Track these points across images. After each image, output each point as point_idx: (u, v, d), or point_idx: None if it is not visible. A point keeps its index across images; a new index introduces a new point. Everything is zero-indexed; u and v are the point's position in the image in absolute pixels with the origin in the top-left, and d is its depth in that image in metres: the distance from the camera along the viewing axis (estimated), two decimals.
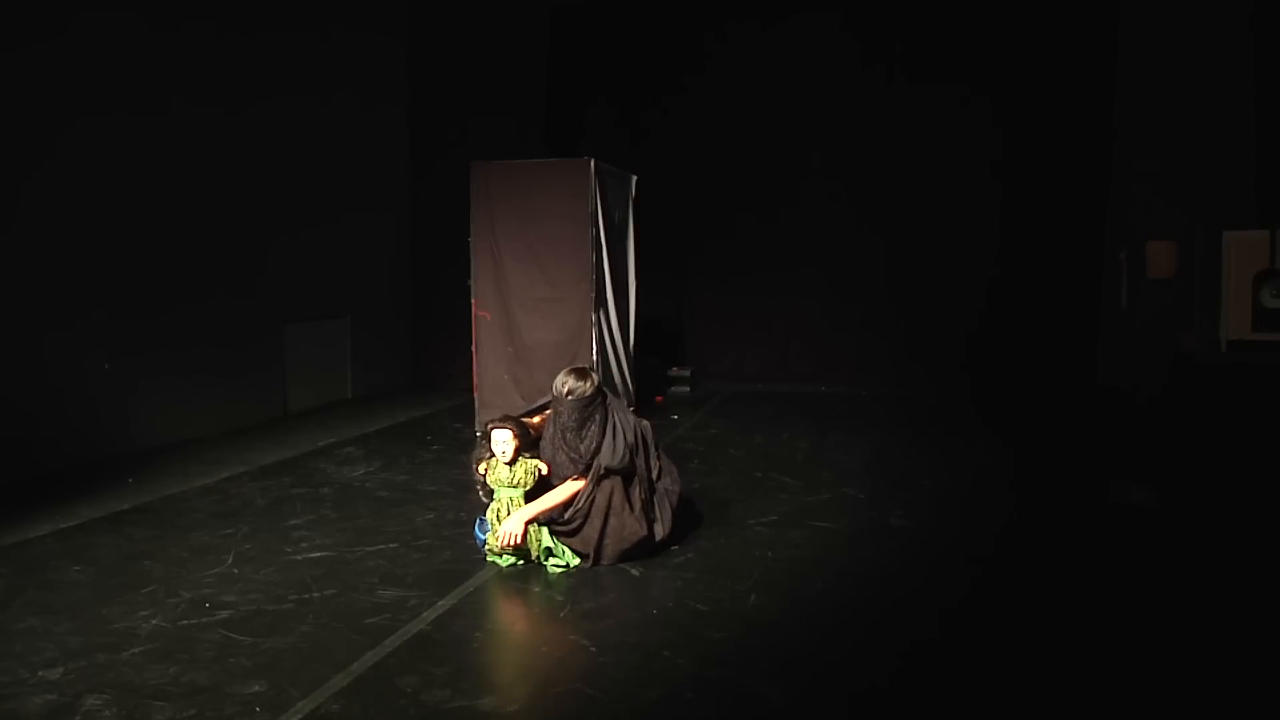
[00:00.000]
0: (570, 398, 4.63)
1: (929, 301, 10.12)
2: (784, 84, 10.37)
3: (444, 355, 10.16)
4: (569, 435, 4.68)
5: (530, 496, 4.66)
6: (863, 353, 10.35)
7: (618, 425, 4.68)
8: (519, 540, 4.56)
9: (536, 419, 4.90)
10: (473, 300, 8.17)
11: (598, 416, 4.68)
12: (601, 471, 4.62)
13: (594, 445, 4.65)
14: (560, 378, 4.71)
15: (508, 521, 4.58)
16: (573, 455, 4.69)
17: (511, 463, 4.65)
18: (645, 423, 4.92)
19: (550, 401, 4.81)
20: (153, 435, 7.22)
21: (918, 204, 10.09)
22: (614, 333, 8.42)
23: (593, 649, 3.67)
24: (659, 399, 9.67)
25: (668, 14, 10.66)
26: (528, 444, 4.73)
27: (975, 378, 9.85)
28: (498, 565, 4.62)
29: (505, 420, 4.70)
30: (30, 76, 6.27)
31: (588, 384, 4.66)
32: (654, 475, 4.80)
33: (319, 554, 4.80)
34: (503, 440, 4.62)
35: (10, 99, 6.14)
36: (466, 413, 8.49)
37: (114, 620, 3.93)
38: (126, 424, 7.03)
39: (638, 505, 4.64)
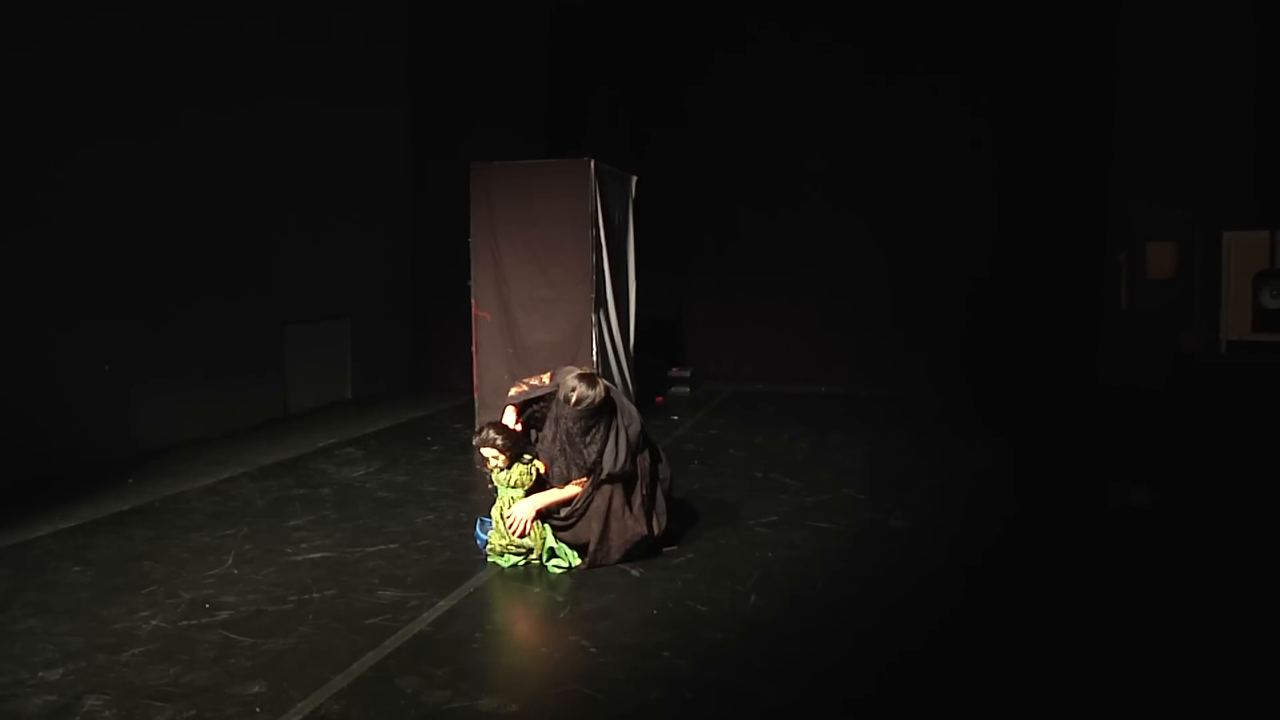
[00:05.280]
0: (578, 408, 4.57)
1: (929, 302, 10.12)
2: (784, 85, 10.37)
3: (444, 356, 10.16)
4: (574, 439, 4.65)
5: (529, 494, 4.66)
6: (862, 353, 10.35)
7: (620, 429, 4.64)
8: (528, 527, 4.56)
9: (521, 394, 4.86)
10: (473, 301, 8.17)
11: (602, 423, 4.65)
12: (603, 477, 4.62)
13: (597, 451, 4.63)
14: (570, 381, 4.59)
15: (517, 506, 4.58)
16: (576, 461, 4.68)
17: (507, 466, 4.65)
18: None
19: (551, 392, 4.77)
20: (153, 436, 7.22)
21: (917, 205, 10.09)
22: (614, 333, 8.42)
23: (593, 649, 3.67)
24: (659, 399, 9.67)
25: (668, 15, 10.66)
26: (520, 447, 4.73)
27: (975, 378, 9.85)
28: (498, 566, 4.62)
29: (493, 434, 4.63)
30: (32, 82, 6.27)
31: (596, 393, 4.57)
32: (651, 465, 4.77)
33: (319, 554, 4.80)
34: (491, 457, 4.63)
35: (13, 105, 6.15)
36: (467, 414, 8.49)
37: (114, 621, 3.93)
38: (126, 425, 7.03)
39: (636, 504, 4.63)
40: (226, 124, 7.86)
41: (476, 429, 4.95)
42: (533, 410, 4.88)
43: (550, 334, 8.02)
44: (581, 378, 4.63)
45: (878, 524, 5.33)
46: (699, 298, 10.89)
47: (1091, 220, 9.62)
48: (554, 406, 4.73)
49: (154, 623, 3.91)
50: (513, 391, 4.97)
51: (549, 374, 4.95)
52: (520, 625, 4.21)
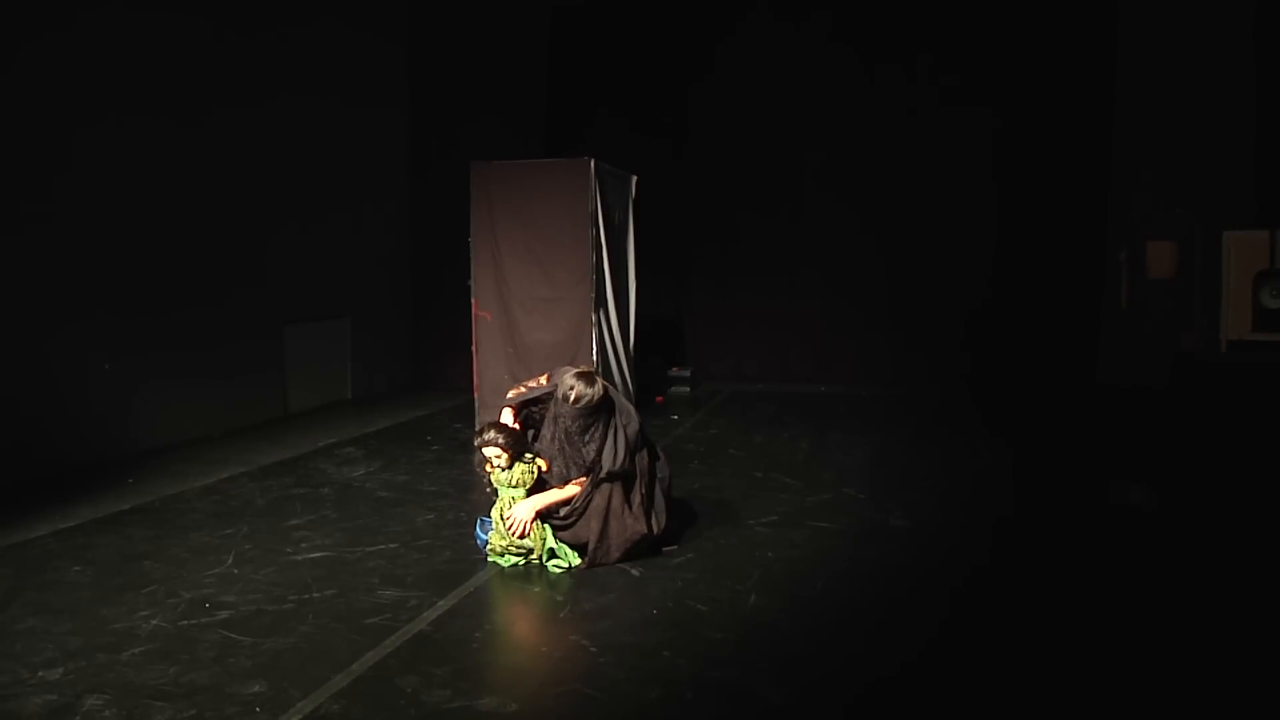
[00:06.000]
0: (577, 406, 4.58)
1: (929, 302, 10.12)
2: (785, 85, 10.37)
3: (444, 355, 10.17)
4: (572, 438, 4.65)
5: (530, 494, 4.66)
6: (863, 353, 10.35)
7: (619, 428, 4.64)
8: (528, 529, 4.56)
9: (519, 395, 4.86)
10: (473, 300, 8.17)
11: (601, 422, 4.65)
12: (602, 475, 4.62)
13: (596, 450, 4.63)
14: (568, 380, 4.60)
15: (517, 507, 4.58)
16: (575, 460, 4.68)
17: (509, 465, 4.65)
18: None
19: (549, 393, 4.77)
20: (153, 435, 7.22)
21: (918, 205, 10.09)
22: (614, 333, 8.42)
23: (593, 649, 3.67)
24: (659, 399, 9.68)
25: (668, 14, 10.66)
26: (521, 446, 4.72)
27: (975, 378, 9.85)
28: (498, 565, 4.62)
29: (495, 432, 4.63)
30: (33, 80, 6.27)
31: (594, 391, 4.57)
32: (650, 464, 4.77)
33: (319, 554, 4.80)
34: (494, 456, 4.63)
35: (14, 103, 6.14)
36: (466, 413, 8.50)
37: (114, 620, 3.93)
38: (127, 424, 7.03)
39: (636, 502, 4.63)
40: (226, 122, 7.86)
41: (477, 429, 4.95)
42: (529, 412, 4.87)
43: (550, 333, 8.02)
44: (580, 376, 4.63)
45: (878, 524, 5.33)
46: (699, 297, 10.89)
47: (1091, 220, 9.62)
48: (552, 406, 4.73)
49: (154, 622, 3.91)
50: (510, 394, 4.97)
51: (546, 375, 4.95)
52: (520, 625, 4.21)
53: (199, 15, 7.57)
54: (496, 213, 8.07)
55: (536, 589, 4.40)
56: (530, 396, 4.86)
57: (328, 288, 9.28)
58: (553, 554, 4.61)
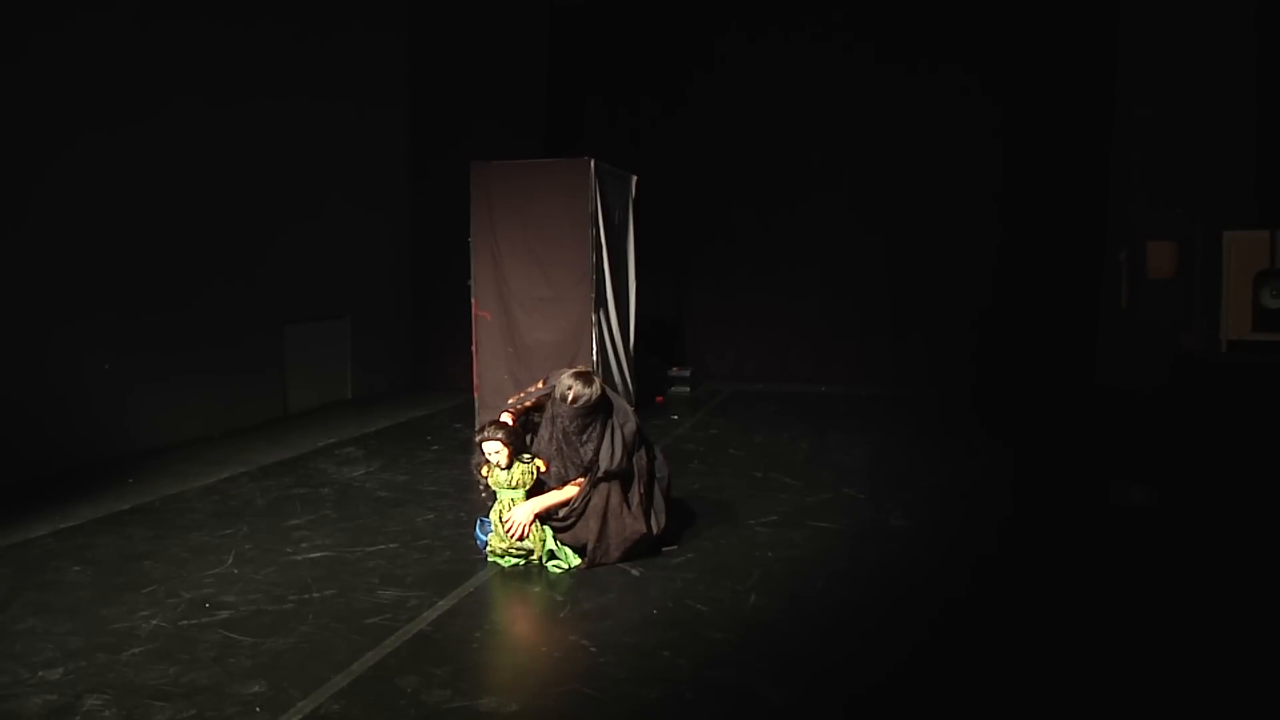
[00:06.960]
0: (575, 405, 4.59)
1: (929, 302, 10.13)
2: (785, 84, 10.38)
3: (444, 355, 10.16)
4: (570, 438, 4.65)
5: (530, 495, 4.66)
6: (863, 353, 10.36)
7: (616, 428, 4.65)
8: (526, 531, 4.56)
9: (530, 402, 4.86)
10: (473, 300, 8.17)
11: (598, 422, 4.65)
12: (600, 475, 4.62)
13: (594, 450, 4.63)
14: (565, 380, 4.62)
15: (516, 510, 4.58)
16: (573, 459, 4.68)
17: (508, 465, 4.64)
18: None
19: (547, 395, 4.78)
20: (153, 435, 7.21)
21: (918, 204, 10.10)
22: (614, 333, 8.42)
23: (593, 649, 3.67)
24: (659, 399, 9.68)
25: (668, 14, 10.67)
26: (520, 445, 4.72)
27: (975, 378, 9.85)
28: (498, 565, 4.62)
29: (495, 428, 4.63)
30: (31, 80, 6.26)
31: (592, 391, 4.58)
32: (649, 463, 4.77)
33: (319, 554, 4.80)
34: (494, 452, 4.62)
35: (12, 103, 6.14)
36: (466, 413, 8.50)
37: (114, 620, 3.93)
38: (126, 424, 7.03)
39: (635, 502, 4.63)
40: (227, 122, 7.86)
41: (477, 428, 4.95)
42: (528, 417, 4.87)
43: (550, 333, 8.03)
44: (577, 376, 4.64)
45: (878, 523, 5.33)
46: (699, 297, 10.89)
47: (1091, 220, 9.62)
48: (550, 406, 4.74)
49: (154, 622, 3.91)
50: (511, 400, 4.98)
51: (543, 380, 4.96)
52: (520, 625, 4.21)
53: (199, 12, 7.57)
54: (496, 213, 8.07)
55: (536, 589, 4.40)
56: (528, 400, 4.86)
57: (328, 288, 9.28)
58: (552, 555, 4.61)
